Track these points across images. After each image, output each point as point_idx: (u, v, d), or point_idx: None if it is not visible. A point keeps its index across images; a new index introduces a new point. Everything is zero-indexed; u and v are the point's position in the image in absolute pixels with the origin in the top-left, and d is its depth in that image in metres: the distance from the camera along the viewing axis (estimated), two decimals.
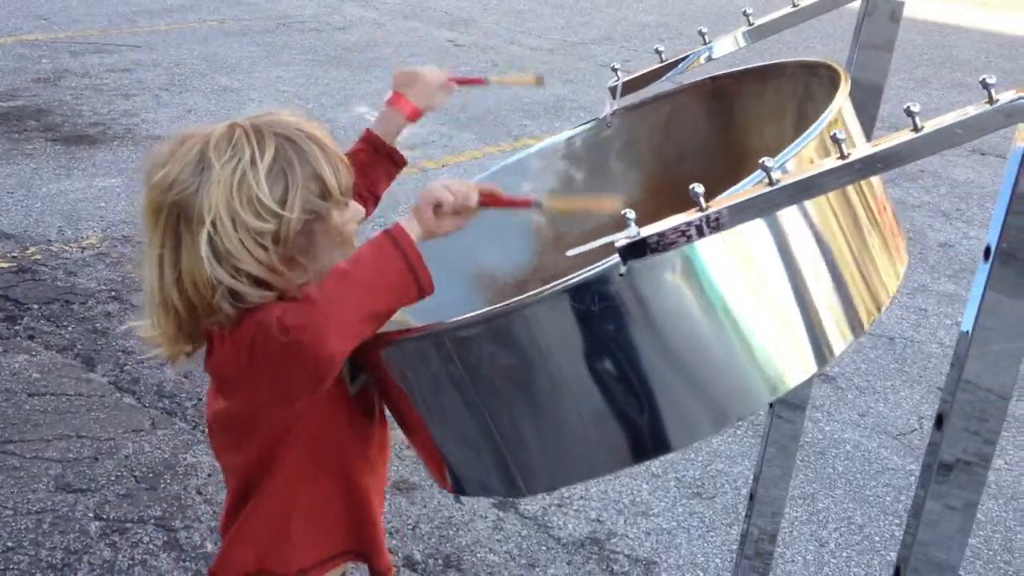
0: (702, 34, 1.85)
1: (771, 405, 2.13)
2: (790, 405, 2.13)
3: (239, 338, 1.37)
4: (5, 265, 4.13)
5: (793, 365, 1.34)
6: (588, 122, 1.92)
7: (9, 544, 2.65)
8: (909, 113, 1.16)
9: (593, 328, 1.27)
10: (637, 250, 1.21)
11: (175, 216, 1.37)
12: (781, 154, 1.23)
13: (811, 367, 1.34)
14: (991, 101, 1.15)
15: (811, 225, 1.35)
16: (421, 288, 1.34)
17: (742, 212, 1.19)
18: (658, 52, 1.87)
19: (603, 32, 8.93)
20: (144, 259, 1.41)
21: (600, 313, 1.27)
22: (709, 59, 1.86)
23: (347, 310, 1.30)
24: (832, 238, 1.37)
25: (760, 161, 1.18)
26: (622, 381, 1.29)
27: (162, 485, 2.93)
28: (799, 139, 1.27)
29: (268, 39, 7.88)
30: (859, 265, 1.41)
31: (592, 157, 1.90)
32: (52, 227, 4.48)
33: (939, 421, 1.31)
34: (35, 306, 3.84)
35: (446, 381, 1.38)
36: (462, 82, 1.88)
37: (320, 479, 1.53)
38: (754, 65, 1.78)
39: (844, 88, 1.42)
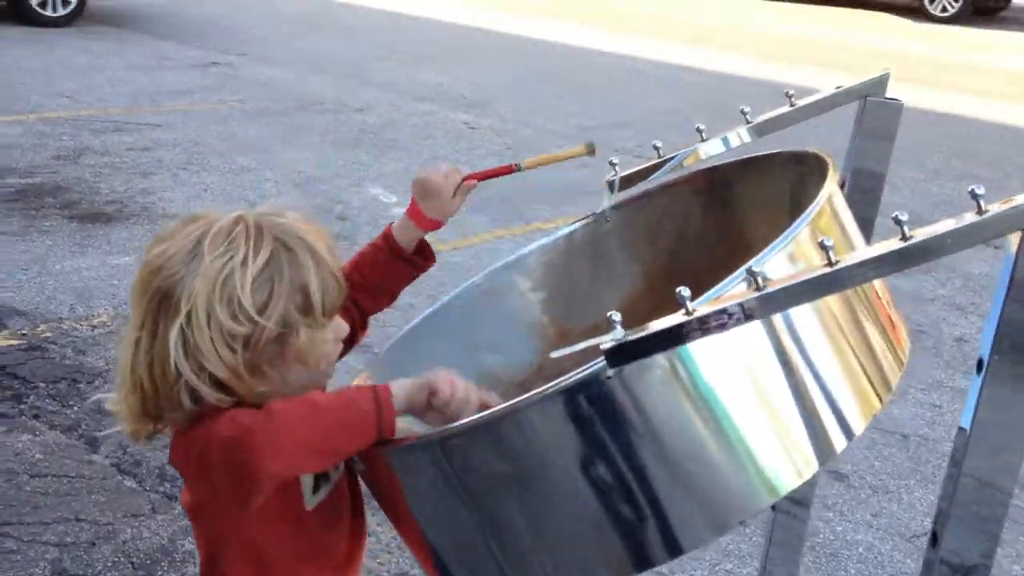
0: (699, 131, 1.87)
1: (772, 505, 2.09)
2: (795, 501, 2.10)
3: (191, 440, 1.37)
4: (15, 342, 4.14)
5: (792, 465, 1.32)
6: (587, 216, 1.93)
7: None
8: (897, 222, 1.16)
9: (584, 431, 1.26)
10: (623, 353, 1.21)
11: (157, 300, 1.37)
12: (760, 255, 1.23)
13: (812, 466, 1.33)
14: (980, 212, 1.15)
15: (806, 321, 1.34)
16: (380, 441, 1.36)
17: (727, 319, 1.19)
18: (656, 148, 1.88)
19: (618, 118, 9.02)
20: (124, 334, 1.42)
21: (590, 417, 1.25)
22: (732, 147, 1.88)
23: (300, 435, 1.30)
24: (828, 333, 1.36)
25: (747, 267, 1.18)
26: (616, 486, 1.27)
27: (159, 573, 2.89)
28: (778, 239, 1.28)
29: (287, 120, 8.00)
30: (858, 359, 1.39)
31: (593, 251, 1.91)
32: (64, 304, 4.51)
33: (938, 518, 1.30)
34: (42, 384, 3.84)
35: (440, 489, 1.36)
36: (487, 177, 1.75)
37: None
38: (744, 157, 1.79)
39: (830, 181, 1.43)
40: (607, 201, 1.89)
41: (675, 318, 1.19)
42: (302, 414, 1.30)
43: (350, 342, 1.63)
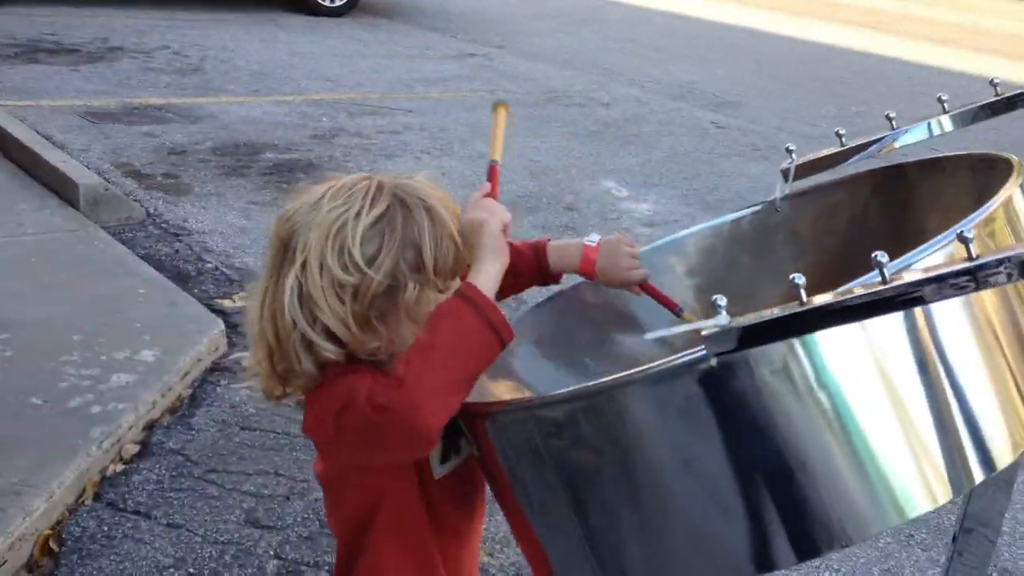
0: (890, 119, 1.72)
1: (955, 538, 1.90)
2: (981, 521, 1.88)
3: (326, 405, 1.37)
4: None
5: (924, 486, 1.18)
6: (757, 204, 1.82)
7: (191, 571, 2.78)
8: None
9: (680, 419, 1.18)
10: (726, 340, 1.12)
11: (281, 249, 1.40)
12: (904, 257, 1.10)
13: (946, 492, 1.19)
14: None
15: (956, 328, 1.20)
16: (503, 341, 1.31)
17: (846, 312, 1.08)
18: (839, 136, 1.75)
19: (877, 123, 8.56)
20: (255, 288, 1.45)
21: (690, 404, 1.17)
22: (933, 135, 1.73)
23: (435, 384, 1.27)
24: (983, 347, 1.21)
25: (873, 256, 1.07)
26: (713, 482, 1.18)
27: None
28: (934, 239, 1.14)
29: (533, 111, 8.11)
30: (1016, 381, 1.24)
31: (757, 241, 1.80)
32: None
33: None
34: None
35: (535, 462, 1.32)
36: (649, 292, 1.65)
37: (403, 565, 1.50)
38: (930, 156, 1.63)
39: (1011, 183, 1.27)
40: (779, 190, 1.77)
41: (787, 308, 1.09)
42: (422, 362, 1.28)
43: None
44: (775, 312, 1.09)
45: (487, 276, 1.35)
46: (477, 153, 6.83)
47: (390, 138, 7.04)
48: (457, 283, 1.44)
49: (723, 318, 1.11)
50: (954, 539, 1.83)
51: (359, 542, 1.52)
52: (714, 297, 1.11)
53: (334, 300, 1.35)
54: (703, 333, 1.11)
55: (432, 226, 1.38)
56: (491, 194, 1.52)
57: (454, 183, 6.14)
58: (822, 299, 1.07)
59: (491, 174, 1.61)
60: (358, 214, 1.36)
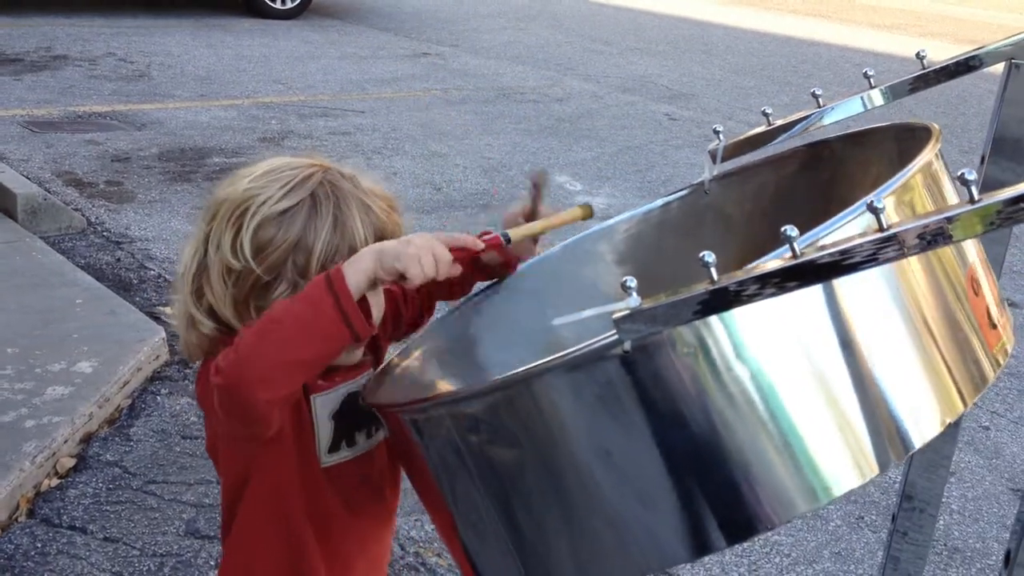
0: (816, 96, 1.67)
1: (894, 517, 1.87)
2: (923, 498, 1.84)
3: (203, 372, 1.37)
4: None
5: (845, 468, 1.13)
6: (686, 188, 1.77)
7: None
8: (964, 181, 0.96)
9: (598, 406, 1.12)
10: (637, 323, 1.07)
11: (205, 214, 1.38)
12: (812, 231, 1.06)
13: (870, 469, 1.14)
14: None
15: (880, 300, 1.16)
16: (356, 334, 1.24)
17: (758, 289, 1.02)
18: (766, 115, 1.70)
19: None
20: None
21: (606, 390, 1.12)
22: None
23: (269, 358, 1.23)
24: (907, 318, 1.18)
25: (782, 230, 1.02)
26: (634, 469, 1.13)
27: None
28: (844, 211, 1.09)
29: (486, 108, 8.05)
30: (942, 353, 1.20)
31: (687, 225, 1.75)
32: None
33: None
34: None
35: (454, 459, 1.26)
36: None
37: (271, 544, 1.45)
38: (853, 130, 1.59)
39: (927, 152, 1.22)
40: (708, 172, 1.72)
41: (697, 288, 1.04)
42: (263, 333, 1.23)
43: (414, 324, 1.60)
44: (684, 293, 1.03)
45: (362, 267, 1.25)
46: (429, 152, 6.76)
47: (341, 139, 6.95)
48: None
49: (633, 300, 1.05)
50: (893, 518, 1.80)
51: (231, 515, 1.49)
52: (624, 279, 1.06)
53: (219, 279, 1.32)
54: (614, 316, 1.06)
55: (332, 235, 1.33)
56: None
57: (406, 183, 6.08)
58: (731, 278, 1.02)
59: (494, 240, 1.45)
60: (264, 201, 1.31)
